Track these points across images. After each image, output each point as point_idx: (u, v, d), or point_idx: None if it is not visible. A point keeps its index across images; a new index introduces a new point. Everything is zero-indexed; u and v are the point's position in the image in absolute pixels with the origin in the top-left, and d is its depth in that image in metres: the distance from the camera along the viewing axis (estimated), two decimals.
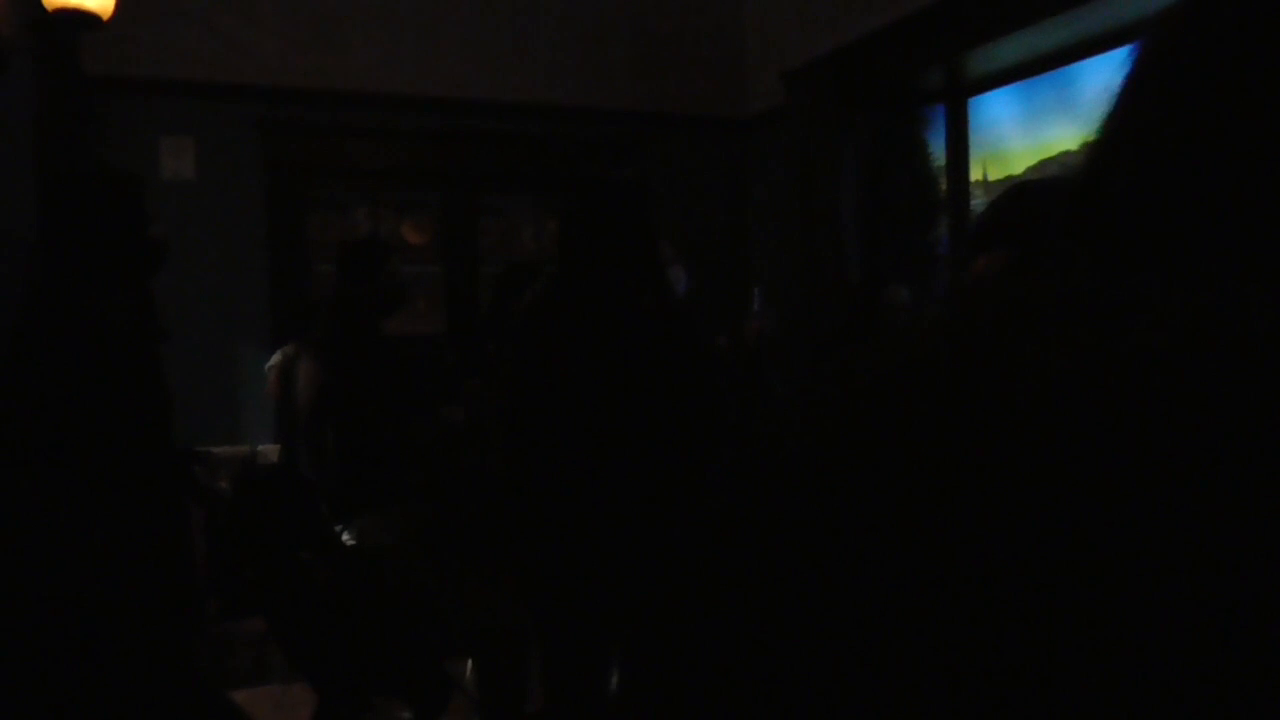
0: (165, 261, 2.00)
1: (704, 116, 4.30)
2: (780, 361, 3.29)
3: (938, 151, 3.46)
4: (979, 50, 3.09)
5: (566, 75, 4.11)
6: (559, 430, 1.91)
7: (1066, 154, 3.00)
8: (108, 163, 2.72)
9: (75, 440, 1.74)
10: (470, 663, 2.85)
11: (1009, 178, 3.18)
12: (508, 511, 2.24)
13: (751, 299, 3.40)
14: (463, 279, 4.11)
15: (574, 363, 1.90)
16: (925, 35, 3.14)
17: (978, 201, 3.30)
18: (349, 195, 4.03)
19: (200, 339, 3.44)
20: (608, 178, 2.96)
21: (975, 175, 3.34)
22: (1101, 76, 2.66)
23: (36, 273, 2.00)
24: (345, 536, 2.86)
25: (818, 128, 3.54)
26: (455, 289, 4.11)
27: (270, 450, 3.65)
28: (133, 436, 1.86)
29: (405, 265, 3.26)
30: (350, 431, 2.92)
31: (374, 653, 2.74)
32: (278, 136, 3.77)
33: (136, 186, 1.91)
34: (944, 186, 3.42)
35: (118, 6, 3.02)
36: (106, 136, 3.49)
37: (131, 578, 1.81)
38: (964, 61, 3.20)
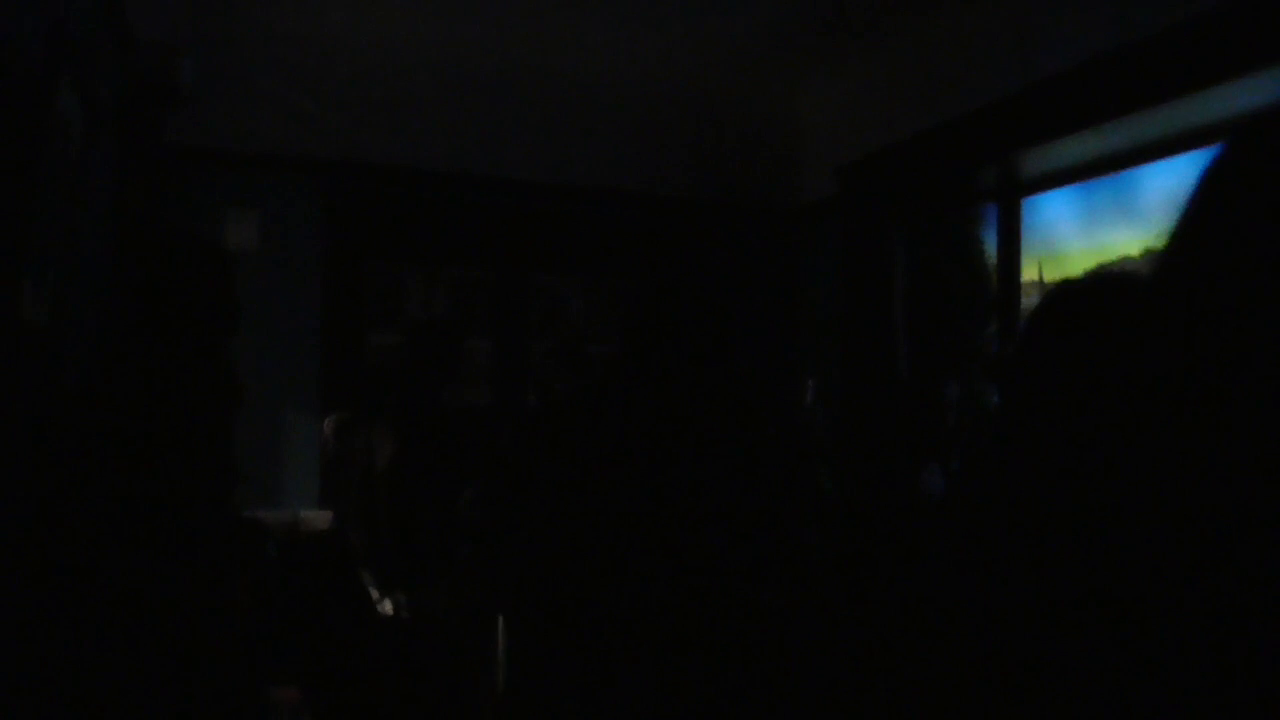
0: (239, 326, 2.05)
1: (756, 206, 4.36)
2: (828, 454, 3.28)
3: (990, 249, 3.47)
4: (1034, 151, 3.12)
5: (623, 160, 4.19)
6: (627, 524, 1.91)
7: (1125, 258, 3.01)
8: (196, 232, 2.80)
9: (147, 498, 1.76)
10: None
11: (1064, 278, 3.18)
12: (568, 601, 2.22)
13: (805, 391, 3.40)
14: (512, 353, 4.16)
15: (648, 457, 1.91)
16: (980, 135, 3.18)
17: (1031, 299, 3.30)
18: (404, 268, 4.10)
19: (250, 403, 3.47)
20: (684, 279, 3.01)
21: (1030, 275, 3.35)
22: (1162, 181, 2.66)
23: (119, 335, 2.04)
24: (387, 605, 2.86)
25: (869, 221, 3.58)
26: (504, 363, 4.15)
27: (311, 516, 3.65)
28: (204, 499, 1.89)
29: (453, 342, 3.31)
30: (410, 502, 2.95)
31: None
32: (339, 209, 3.86)
33: (225, 255, 1.99)
34: (994, 285, 3.43)
35: (195, 81, 3.12)
36: (176, 205, 3.58)
37: (185, 636, 1.81)
38: (1018, 161, 3.23)
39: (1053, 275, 3.24)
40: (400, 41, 3.82)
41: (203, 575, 1.90)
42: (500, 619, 2.65)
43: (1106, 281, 1.32)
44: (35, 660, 1.57)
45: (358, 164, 3.86)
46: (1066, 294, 1.33)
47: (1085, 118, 2.83)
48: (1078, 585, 0.93)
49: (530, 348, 4.08)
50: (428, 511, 2.89)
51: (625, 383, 2.17)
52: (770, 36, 3.64)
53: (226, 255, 2.01)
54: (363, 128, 3.87)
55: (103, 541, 1.72)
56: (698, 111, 4.30)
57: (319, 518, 3.55)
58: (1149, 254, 2.90)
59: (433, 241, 4.08)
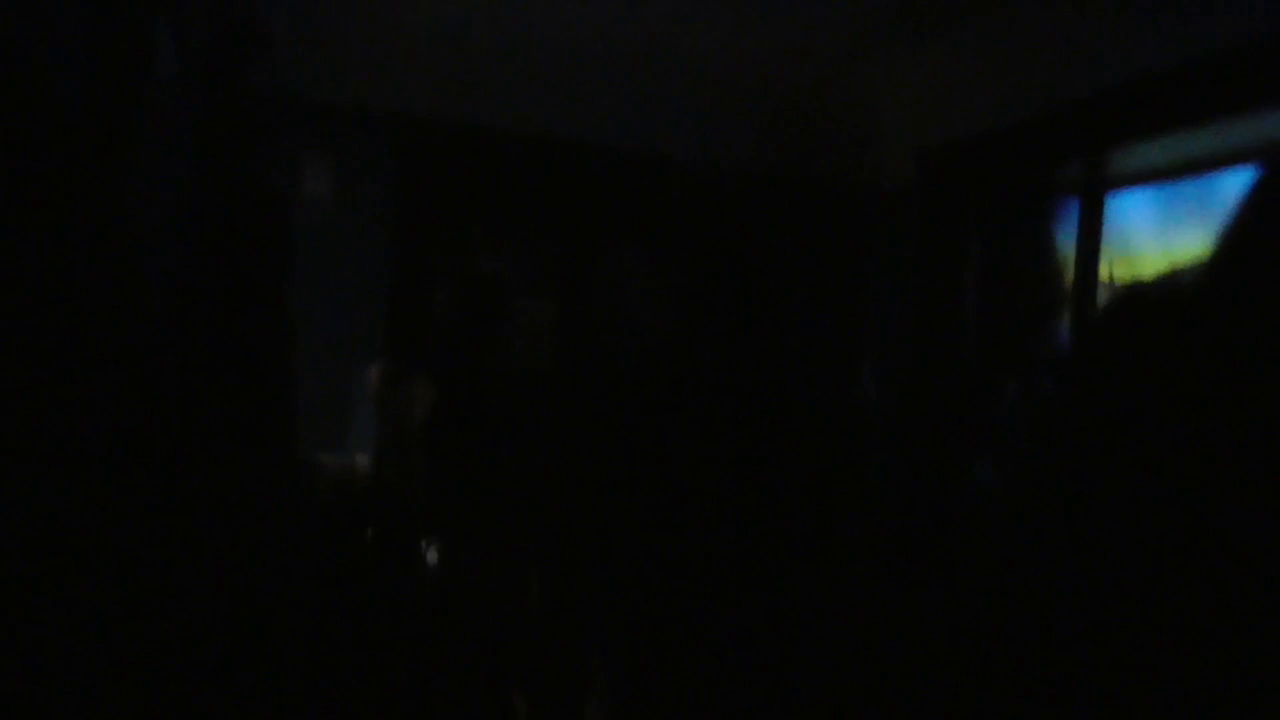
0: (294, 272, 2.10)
1: (831, 186, 4.32)
2: (880, 439, 3.27)
3: (1068, 245, 3.41)
4: (1121, 149, 3.05)
5: (698, 132, 4.17)
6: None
7: (1199, 262, 2.94)
8: (263, 180, 2.85)
9: (206, 442, 1.81)
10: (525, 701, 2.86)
11: (1137, 279, 3.13)
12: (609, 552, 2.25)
13: (861, 374, 3.38)
14: (574, 321, 4.19)
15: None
16: (1068, 128, 3.11)
17: (1101, 298, 3.24)
18: (473, 227, 4.14)
19: (315, 349, 3.56)
20: (752, 256, 3.01)
21: (1104, 274, 3.29)
22: (1242, 188, 2.60)
23: (184, 279, 2.09)
24: (433, 554, 2.91)
25: (946, 208, 3.53)
26: (565, 329, 4.19)
27: (367, 461, 3.74)
28: (264, 443, 1.93)
29: (520, 299, 3.34)
30: (445, 457, 2.98)
31: (441, 676, 2.77)
32: (413, 165, 3.91)
33: (280, 199, 2.02)
34: (1070, 281, 3.37)
35: (282, 27, 3.17)
36: (254, 152, 3.64)
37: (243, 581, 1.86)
38: (1105, 158, 3.16)
39: (1124, 275, 3.19)
40: (484, 2, 3.84)
41: (260, 522, 1.95)
42: (531, 572, 2.69)
43: (1175, 290, 1.30)
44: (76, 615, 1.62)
45: (434, 120, 3.90)
46: (1134, 299, 1.31)
47: (1177, 119, 2.77)
48: (1120, 594, 0.93)
49: (593, 317, 4.11)
50: (462, 468, 2.92)
51: (687, 355, 2.18)
52: (855, 14, 3.59)
53: (282, 199, 2.05)
54: (441, 84, 3.91)
55: (160, 485, 1.77)
56: (776, 87, 4.27)
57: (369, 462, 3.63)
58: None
59: (502, 203, 4.12)
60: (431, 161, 3.97)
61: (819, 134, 4.33)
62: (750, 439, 2.08)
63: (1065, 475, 1.23)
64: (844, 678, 2.03)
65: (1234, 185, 2.91)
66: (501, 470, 2.89)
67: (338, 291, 3.80)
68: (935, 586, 2.18)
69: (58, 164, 1.57)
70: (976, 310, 3.41)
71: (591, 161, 4.10)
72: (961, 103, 3.66)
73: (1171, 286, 1.39)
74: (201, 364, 1.93)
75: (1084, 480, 1.13)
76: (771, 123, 4.27)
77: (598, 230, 4.23)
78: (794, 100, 4.29)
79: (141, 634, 1.70)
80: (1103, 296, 3.25)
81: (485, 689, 2.76)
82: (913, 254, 3.64)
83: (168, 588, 1.75)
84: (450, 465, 2.92)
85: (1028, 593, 1.17)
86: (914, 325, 3.52)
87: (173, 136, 2.67)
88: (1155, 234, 3.15)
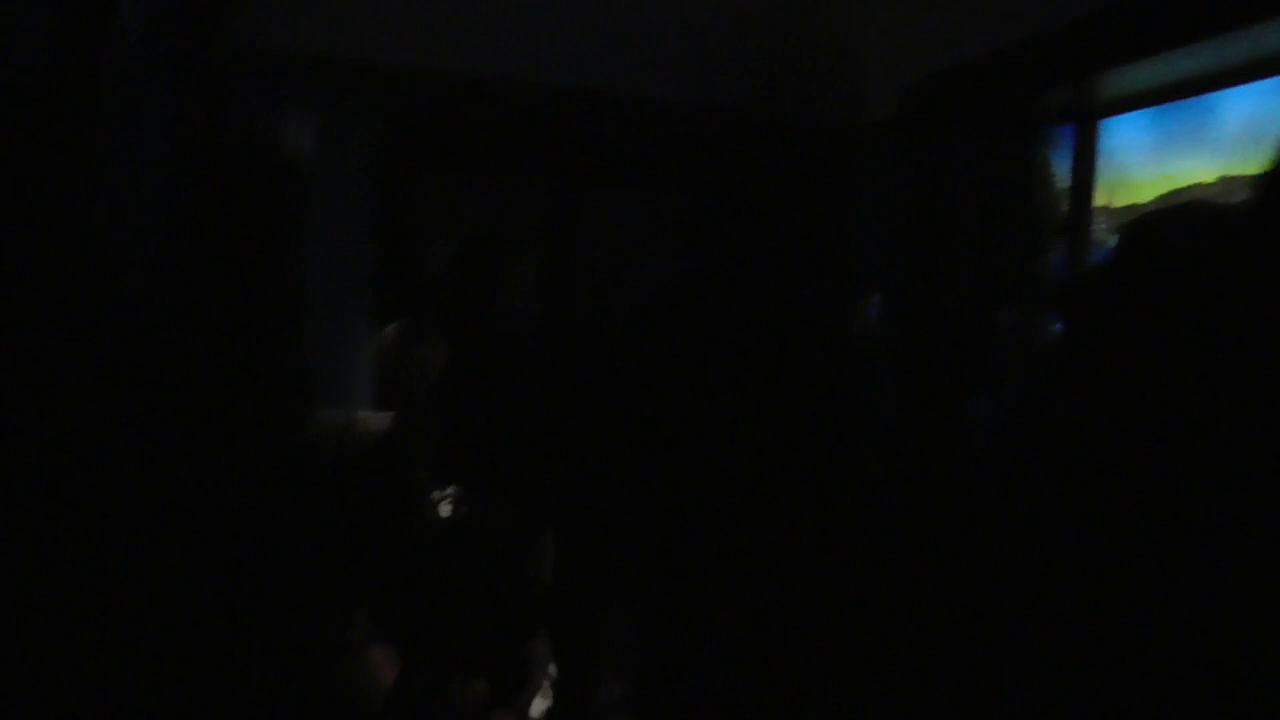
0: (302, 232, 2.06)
1: (816, 122, 4.26)
2: (884, 375, 3.26)
3: (1062, 173, 3.36)
4: (1112, 72, 3.00)
5: (681, 71, 4.10)
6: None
7: (1199, 186, 2.90)
8: (257, 137, 2.79)
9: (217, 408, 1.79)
10: (548, 641, 2.88)
11: (1133, 205, 3.09)
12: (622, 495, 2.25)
13: (866, 308, 3.35)
14: (561, 270, 4.16)
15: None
16: (1057, 53, 3.06)
17: (1099, 228, 3.21)
18: (459, 178, 4.09)
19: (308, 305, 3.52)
20: (741, 195, 2.97)
21: (1099, 200, 3.25)
22: (1241, 108, 2.55)
23: (180, 242, 2.06)
24: (446, 507, 2.91)
25: (934, 140, 3.48)
26: (554, 279, 4.16)
27: (368, 418, 3.72)
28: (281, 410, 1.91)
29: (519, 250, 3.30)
30: (461, 413, 2.98)
31: (460, 621, 2.78)
32: (395, 117, 3.85)
33: (289, 159, 1.98)
34: (1065, 210, 3.33)
35: None
36: (232, 108, 3.58)
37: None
38: (1096, 83, 3.11)
39: (1122, 201, 3.15)
40: None
41: (281, 486, 1.94)
42: (549, 523, 2.69)
43: (1194, 212, 1.26)
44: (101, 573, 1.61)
45: (414, 70, 3.83)
46: (1150, 224, 1.27)
47: (1168, 38, 2.71)
48: (1125, 536, 0.91)
49: (581, 264, 4.08)
50: (479, 424, 2.92)
51: (681, 299, 2.16)
52: None
53: (290, 159, 2.01)
54: (421, 34, 3.83)
55: (172, 456, 1.75)
56: (758, 23, 4.19)
57: (376, 419, 3.61)
58: (1225, 182, 2.80)
59: (487, 152, 4.06)
60: (414, 113, 3.91)
61: (804, 70, 4.26)
62: (753, 379, 2.06)
63: (1071, 412, 1.20)
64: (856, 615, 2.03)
65: (1230, 104, 2.87)
66: (512, 423, 2.88)
67: (324, 247, 3.76)
68: (934, 524, 2.17)
69: (20, 130, 1.53)
70: (970, 245, 3.38)
71: (574, 106, 4.03)
72: (947, 31, 3.60)
73: (1190, 211, 1.34)
74: (197, 328, 1.90)
75: (1092, 416, 1.11)
76: (756, 60, 4.20)
77: (584, 176, 4.18)
78: (778, 36, 4.22)
79: (160, 598, 1.69)
80: (1099, 225, 3.22)
81: (506, 637, 2.77)
82: (903, 189, 3.60)
83: (184, 550, 1.74)
84: (461, 419, 2.91)
85: (1026, 532, 1.15)
86: (907, 261, 3.49)
87: (145, 95, 2.61)
88: (1151, 158, 3.11)
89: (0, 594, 1.42)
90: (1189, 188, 2.91)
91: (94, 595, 1.55)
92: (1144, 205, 3.03)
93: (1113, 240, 1.24)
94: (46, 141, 1.68)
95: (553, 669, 2.76)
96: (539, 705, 2.84)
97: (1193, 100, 2.97)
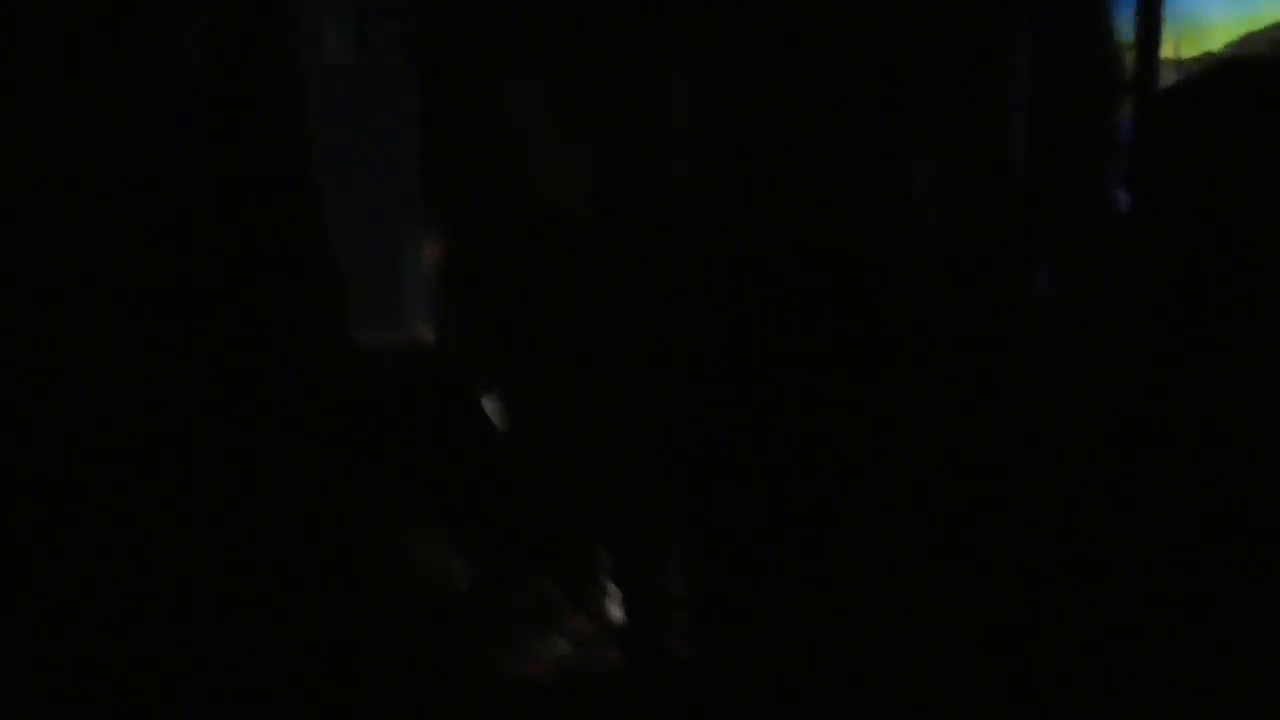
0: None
1: None
2: (937, 252, 3.15)
3: (1126, 23, 3.15)
4: None
5: None
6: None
7: (1277, 25, 2.70)
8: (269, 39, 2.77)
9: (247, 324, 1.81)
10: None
11: (1205, 54, 2.90)
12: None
13: (917, 182, 3.23)
14: (609, 158, 4.08)
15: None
16: None
17: (1167, 81, 3.01)
18: (499, 77, 4.02)
19: (356, 220, 3.54)
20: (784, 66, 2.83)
21: (1166, 52, 3.05)
22: None
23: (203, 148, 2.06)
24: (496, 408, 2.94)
25: None
26: (600, 168, 4.08)
27: (429, 332, 3.76)
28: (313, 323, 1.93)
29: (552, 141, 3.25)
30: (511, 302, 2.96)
31: (519, 523, 2.83)
32: (433, 18, 3.78)
33: (294, 64, 1.95)
34: (1130, 65, 3.13)
35: None
36: (271, 17, 3.55)
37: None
38: None
39: (1191, 52, 2.94)
40: None
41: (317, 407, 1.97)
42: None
43: (1256, 67, 1.16)
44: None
45: None
46: (1207, 81, 1.17)
47: None
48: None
49: (626, 149, 3.99)
50: (527, 317, 2.91)
51: (734, 168, 2.11)
52: None
53: (295, 64, 1.99)
54: None
55: (207, 381, 1.78)
56: None
57: (426, 328, 3.65)
58: None
59: (530, 44, 3.97)
60: (452, 12, 3.83)
61: None
62: (805, 250, 2.02)
63: (1137, 287, 1.14)
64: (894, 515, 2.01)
65: None
66: (561, 314, 2.88)
67: (372, 156, 3.76)
68: (988, 406, 2.13)
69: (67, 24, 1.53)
70: (1030, 105, 3.22)
71: None
72: None
73: (1253, 62, 1.24)
74: (235, 240, 1.92)
75: (1160, 291, 1.05)
76: None
77: (629, 63, 4.06)
78: None
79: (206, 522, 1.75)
80: (1167, 78, 3.02)
81: (566, 538, 2.82)
82: (959, 49, 3.43)
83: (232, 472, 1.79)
84: (509, 314, 2.91)
85: (1089, 414, 1.11)
86: (964, 124, 3.35)
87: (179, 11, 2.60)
88: (1224, 2, 2.89)
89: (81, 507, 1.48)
90: (1265, 30, 2.71)
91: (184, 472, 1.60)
92: (1216, 53, 2.84)
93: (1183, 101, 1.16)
94: (91, 40, 1.69)
95: (615, 569, 2.81)
96: (612, 609, 2.89)
97: None
